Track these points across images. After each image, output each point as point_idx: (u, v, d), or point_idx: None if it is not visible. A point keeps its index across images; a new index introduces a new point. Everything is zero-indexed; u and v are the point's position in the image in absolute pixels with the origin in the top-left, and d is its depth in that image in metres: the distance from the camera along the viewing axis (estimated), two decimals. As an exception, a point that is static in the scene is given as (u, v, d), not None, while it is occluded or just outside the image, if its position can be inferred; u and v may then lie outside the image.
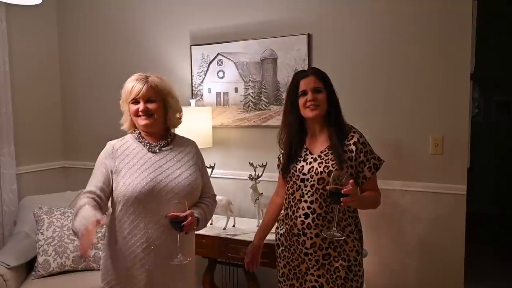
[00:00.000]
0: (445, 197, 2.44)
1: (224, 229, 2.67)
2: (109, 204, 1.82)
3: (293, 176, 1.93)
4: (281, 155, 2.07)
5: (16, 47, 3.36)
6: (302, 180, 1.90)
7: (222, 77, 3.04)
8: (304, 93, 1.89)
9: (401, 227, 2.57)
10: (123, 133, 1.95)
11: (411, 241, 2.55)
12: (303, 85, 1.90)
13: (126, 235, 1.75)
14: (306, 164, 1.91)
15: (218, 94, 3.07)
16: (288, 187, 1.99)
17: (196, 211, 1.78)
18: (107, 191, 1.77)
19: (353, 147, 1.87)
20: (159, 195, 1.73)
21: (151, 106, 1.79)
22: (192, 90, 3.16)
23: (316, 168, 1.87)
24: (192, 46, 3.13)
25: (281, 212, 2.06)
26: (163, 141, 1.87)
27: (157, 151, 1.84)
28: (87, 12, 3.59)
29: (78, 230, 1.57)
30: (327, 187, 1.75)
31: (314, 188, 1.86)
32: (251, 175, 2.65)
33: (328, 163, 1.85)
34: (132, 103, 1.79)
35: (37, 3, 2.15)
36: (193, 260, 1.97)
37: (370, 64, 2.59)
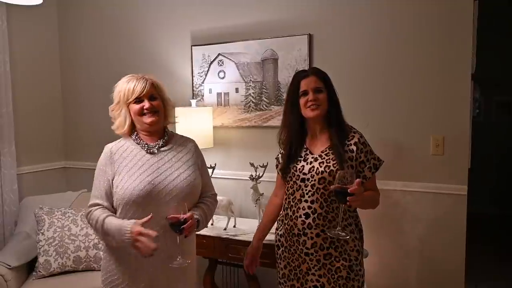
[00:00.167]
0: (446, 197, 2.44)
1: (225, 229, 2.67)
2: None
3: (293, 176, 1.93)
4: (279, 155, 2.07)
5: (17, 47, 3.37)
6: (303, 180, 1.90)
7: (223, 78, 3.04)
8: (305, 93, 1.89)
9: (401, 227, 2.57)
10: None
11: (411, 241, 2.55)
12: (304, 85, 1.90)
13: None
14: (307, 164, 1.91)
15: (219, 94, 3.07)
16: (288, 187, 1.98)
17: (196, 212, 1.78)
18: (111, 198, 1.78)
19: (354, 147, 1.87)
20: (157, 197, 1.73)
21: (155, 103, 1.80)
22: (193, 90, 3.16)
23: (317, 168, 1.87)
24: (192, 47, 3.13)
25: (281, 212, 2.05)
26: (161, 140, 1.86)
27: (155, 152, 1.83)
28: (87, 12, 3.60)
29: (121, 242, 1.64)
30: (331, 187, 1.75)
31: (315, 188, 1.86)
32: (251, 175, 2.65)
33: (329, 163, 1.86)
34: (134, 102, 1.79)
35: (38, 3, 2.15)
36: (194, 260, 1.97)
37: (371, 64, 2.59)
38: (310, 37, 2.73)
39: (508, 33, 5.53)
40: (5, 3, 2.49)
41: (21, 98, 3.40)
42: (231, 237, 2.57)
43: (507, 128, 5.89)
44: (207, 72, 3.09)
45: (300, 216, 1.88)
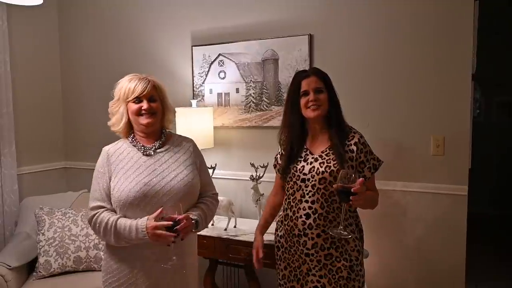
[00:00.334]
0: (446, 197, 2.44)
1: (225, 229, 2.67)
2: None
3: (294, 176, 1.93)
4: (278, 155, 2.07)
5: (17, 47, 3.37)
6: (303, 180, 1.90)
7: (223, 78, 3.04)
8: (306, 93, 1.89)
9: (401, 227, 2.57)
10: (123, 135, 1.94)
11: (411, 242, 2.55)
12: (304, 85, 1.90)
13: None
14: (307, 164, 1.91)
15: (219, 94, 3.07)
16: (288, 187, 1.98)
17: (195, 212, 1.77)
18: (111, 200, 1.78)
19: (354, 147, 1.88)
20: (154, 198, 1.72)
21: (154, 105, 1.81)
22: (193, 90, 3.16)
23: (318, 168, 1.87)
24: (193, 47, 3.13)
25: (280, 213, 2.05)
26: (158, 142, 1.85)
27: (152, 153, 1.82)
28: (88, 12, 3.60)
29: (138, 240, 1.66)
30: (333, 186, 1.75)
31: (315, 188, 1.86)
32: (252, 175, 2.65)
33: (330, 163, 1.86)
34: (133, 102, 1.79)
35: (38, 3, 2.15)
36: (196, 261, 1.97)
37: (371, 65, 2.59)
38: (311, 37, 2.73)
39: (508, 33, 5.53)
40: (6, 3, 2.49)
41: (21, 98, 3.40)
42: (231, 237, 2.57)
43: (508, 129, 5.89)
44: (207, 73, 3.09)
45: (301, 217, 1.88)
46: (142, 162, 1.79)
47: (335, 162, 1.85)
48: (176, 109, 2.79)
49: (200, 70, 3.12)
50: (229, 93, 3.03)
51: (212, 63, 3.07)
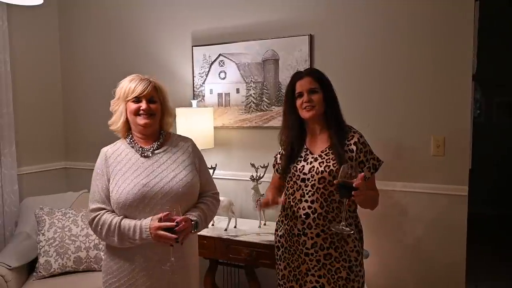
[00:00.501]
0: (446, 198, 2.44)
1: (226, 230, 2.67)
2: None
3: (294, 176, 1.94)
4: (278, 155, 2.08)
5: (18, 47, 3.36)
6: (303, 180, 1.90)
7: (224, 78, 3.04)
8: (300, 94, 1.92)
9: (402, 227, 2.57)
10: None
11: (412, 242, 2.55)
12: (298, 87, 1.93)
13: None
14: (307, 164, 1.91)
15: (219, 95, 3.07)
16: (288, 187, 1.99)
17: (195, 213, 1.77)
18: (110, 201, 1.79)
19: (354, 147, 1.88)
20: (153, 200, 1.72)
21: (153, 106, 1.80)
22: (193, 91, 3.16)
23: (317, 168, 1.87)
24: (193, 47, 3.13)
25: (280, 213, 2.05)
26: (156, 143, 1.85)
27: (150, 155, 1.82)
28: (88, 12, 3.60)
29: (142, 240, 1.67)
30: (335, 181, 1.75)
31: (315, 188, 1.86)
32: (252, 176, 2.65)
33: (329, 162, 1.86)
34: (132, 101, 1.78)
35: (39, 3, 2.15)
36: (197, 262, 1.96)
37: (372, 65, 2.59)
38: (311, 38, 2.72)
39: (509, 34, 5.53)
40: (6, 3, 2.49)
41: (21, 98, 3.40)
42: (231, 237, 2.57)
43: (508, 129, 5.89)
44: (208, 73, 3.09)
45: (300, 216, 1.88)
46: (140, 164, 1.79)
47: (334, 161, 1.86)
48: (177, 109, 2.82)
49: (201, 70, 3.12)
50: (229, 93, 3.03)
51: (212, 63, 3.07)
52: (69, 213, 2.84)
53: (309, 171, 1.89)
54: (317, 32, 2.72)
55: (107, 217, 1.72)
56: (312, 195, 1.87)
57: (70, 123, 3.77)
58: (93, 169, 1.84)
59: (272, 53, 2.84)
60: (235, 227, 2.73)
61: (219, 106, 3.08)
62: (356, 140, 1.89)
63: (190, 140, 1.97)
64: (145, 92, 1.77)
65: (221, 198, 2.28)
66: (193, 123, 2.83)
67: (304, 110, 1.90)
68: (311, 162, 1.91)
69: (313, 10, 2.72)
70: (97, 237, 2.70)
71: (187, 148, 1.91)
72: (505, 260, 4.31)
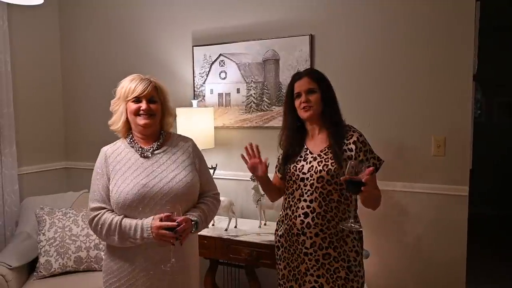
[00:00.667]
0: (447, 198, 2.44)
1: (226, 230, 2.67)
2: None
3: (293, 176, 1.94)
4: (280, 156, 2.08)
5: (18, 47, 3.36)
6: (302, 180, 1.91)
7: (224, 78, 3.04)
8: (298, 95, 1.94)
9: (402, 228, 2.57)
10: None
11: (412, 242, 2.55)
12: (297, 87, 1.95)
13: None
14: (306, 163, 1.92)
15: (220, 95, 3.07)
16: (287, 186, 2.00)
17: (195, 213, 1.77)
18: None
19: (353, 146, 1.88)
20: (153, 200, 1.72)
21: (153, 106, 1.80)
22: (194, 91, 3.16)
23: (316, 167, 1.88)
24: (194, 47, 3.13)
25: (280, 213, 2.06)
26: (156, 143, 1.85)
27: (150, 155, 1.82)
28: (89, 12, 3.60)
29: (143, 239, 1.67)
30: (341, 178, 1.73)
31: (313, 187, 1.87)
32: (253, 176, 2.64)
33: (328, 162, 1.87)
34: (132, 101, 1.78)
35: (39, 3, 2.15)
36: (197, 262, 1.96)
37: (372, 65, 2.59)
38: (312, 38, 2.72)
39: (509, 34, 5.53)
40: (6, 3, 2.49)
41: (22, 98, 3.40)
42: (232, 237, 2.57)
43: (509, 129, 5.88)
44: (208, 73, 3.09)
45: (299, 216, 1.89)
46: (140, 164, 1.79)
47: (333, 161, 1.86)
48: (177, 109, 2.80)
49: (201, 70, 3.12)
50: (230, 93, 3.03)
51: (213, 63, 3.07)
52: (69, 213, 2.84)
53: (308, 171, 1.90)
54: (318, 32, 2.72)
55: (108, 216, 1.72)
56: (311, 194, 1.87)
57: (71, 123, 3.78)
58: (93, 169, 1.84)
59: (272, 53, 2.84)
60: (235, 227, 2.73)
61: (219, 106, 3.08)
62: (356, 139, 1.89)
63: (191, 140, 1.97)
64: (145, 92, 1.77)
65: (221, 198, 2.28)
66: (193, 123, 2.83)
67: (302, 110, 1.92)
68: (310, 162, 1.91)
69: (313, 10, 2.72)
70: (97, 237, 2.70)
71: (187, 148, 1.90)
72: (505, 260, 4.32)
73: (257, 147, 1.99)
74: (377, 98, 2.59)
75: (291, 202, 1.95)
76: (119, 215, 1.73)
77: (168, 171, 1.79)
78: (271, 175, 2.19)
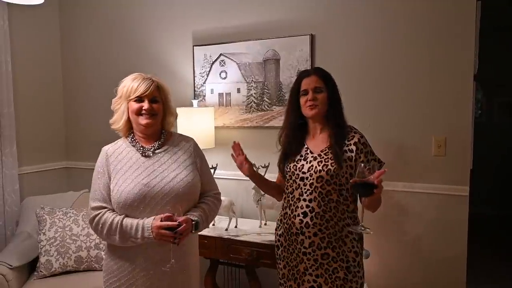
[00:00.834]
0: (447, 198, 2.44)
1: (226, 230, 2.67)
2: None
3: (293, 175, 1.95)
4: (280, 153, 2.08)
5: (18, 47, 3.36)
6: (302, 179, 1.91)
7: (225, 78, 3.04)
8: (305, 92, 1.92)
9: (402, 228, 2.57)
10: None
11: (412, 242, 2.55)
12: (304, 84, 1.93)
13: None
14: (307, 163, 1.92)
15: (220, 94, 3.07)
16: (287, 185, 2.00)
17: (195, 213, 1.77)
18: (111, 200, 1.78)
19: (354, 147, 1.88)
20: (154, 200, 1.72)
21: (155, 106, 1.80)
22: (194, 90, 3.16)
23: (316, 167, 1.88)
24: (194, 47, 3.13)
25: (280, 212, 2.06)
26: (157, 142, 1.84)
27: (151, 155, 1.81)
28: (89, 12, 3.60)
29: (144, 239, 1.67)
30: (351, 180, 1.73)
31: (313, 187, 1.87)
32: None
33: (328, 162, 1.87)
34: (134, 101, 1.78)
35: (39, 3, 2.15)
36: (197, 261, 1.96)
37: (373, 65, 2.59)
38: (312, 38, 2.72)
39: (510, 34, 5.53)
40: (7, 2, 2.49)
41: (22, 98, 3.40)
42: (232, 237, 2.57)
43: (509, 129, 5.88)
44: (208, 72, 3.09)
45: (298, 215, 1.89)
46: (141, 163, 1.78)
47: (333, 161, 1.86)
48: (177, 109, 2.79)
49: (201, 70, 3.12)
50: (230, 93, 3.03)
51: (213, 63, 3.07)
52: (70, 212, 2.85)
53: (308, 170, 1.90)
54: (318, 32, 2.72)
55: (109, 215, 1.72)
56: (310, 194, 1.87)
57: (71, 122, 3.78)
58: (94, 169, 1.84)
59: (273, 53, 2.84)
60: (235, 227, 2.73)
61: (220, 106, 3.08)
62: (357, 140, 1.89)
63: (192, 139, 1.96)
64: (148, 92, 1.77)
65: (222, 198, 2.28)
66: (193, 123, 2.83)
67: (308, 108, 1.91)
68: (310, 161, 1.91)
69: (314, 10, 2.72)
70: (97, 237, 2.70)
71: (188, 147, 1.90)
72: (505, 260, 4.32)
73: (238, 144, 2.02)
74: (377, 98, 2.59)
75: (290, 202, 1.95)
76: (120, 215, 1.73)
77: (169, 171, 1.79)
78: (274, 174, 2.20)
